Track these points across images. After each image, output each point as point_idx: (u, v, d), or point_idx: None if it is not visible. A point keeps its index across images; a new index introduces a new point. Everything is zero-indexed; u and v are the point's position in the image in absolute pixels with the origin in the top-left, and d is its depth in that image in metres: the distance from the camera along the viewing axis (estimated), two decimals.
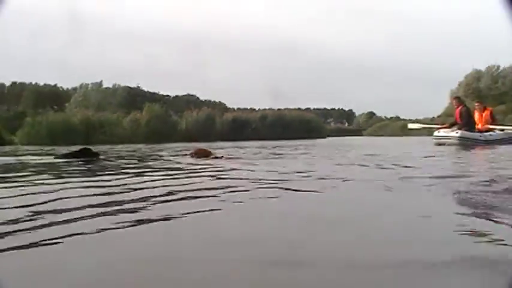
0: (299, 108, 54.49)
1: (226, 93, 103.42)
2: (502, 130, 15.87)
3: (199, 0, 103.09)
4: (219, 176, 5.31)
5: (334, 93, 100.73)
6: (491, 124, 15.98)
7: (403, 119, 52.37)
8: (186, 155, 9.80)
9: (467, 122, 15.28)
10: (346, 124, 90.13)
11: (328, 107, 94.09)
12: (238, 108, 48.99)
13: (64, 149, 16.67)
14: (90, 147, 9.85)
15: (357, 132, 62.41)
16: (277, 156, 10.06)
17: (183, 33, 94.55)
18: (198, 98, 52.81)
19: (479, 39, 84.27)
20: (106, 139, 28.43)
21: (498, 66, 55.67)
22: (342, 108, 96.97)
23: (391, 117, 67.06)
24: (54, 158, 9.19)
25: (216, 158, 8.68)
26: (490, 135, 15.33)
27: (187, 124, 35.21)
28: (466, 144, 14.10)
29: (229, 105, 52.50)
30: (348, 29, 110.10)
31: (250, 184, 4.34)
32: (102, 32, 79.47)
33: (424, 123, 17.94)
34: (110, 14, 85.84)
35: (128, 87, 45.71)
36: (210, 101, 51.37)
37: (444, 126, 16.14)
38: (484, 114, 16.01)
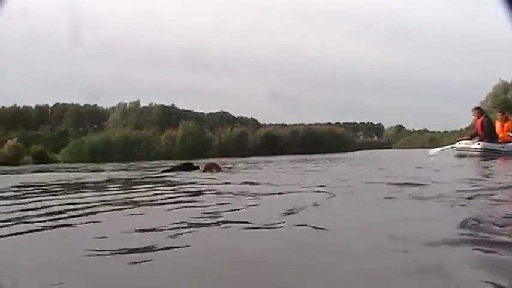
0: (329, 123, 54.50)
1: (258, 110, 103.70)
2: None
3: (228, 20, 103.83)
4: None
5: (363, 107, 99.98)
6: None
7: (432, 131, 51.84)
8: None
9: (488, 133, 14.47)
10: (376, 137, 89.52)
11: (358, 121, 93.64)
12: (270, 124, 49.23)
13: (105, 166, 17.19)
14: (191, 161, 10.94)
15: (386, 145, 62.08)
16: (290, 169, 10.40)
17: (217, 54, 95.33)
18: (231, 114, 53.29)
19: (506, 51, 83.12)
20: (143, 155, 28.90)
21: None
22: (370, 122, 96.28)
23: (420, 130, 66.39)
24: (162, 172, 9.95)
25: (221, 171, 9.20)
26: None
27: (221, 140, 35.57)
28: (487, 155, 13.40)
29: (261, 121, 52.87)
30: (377, 45, 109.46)
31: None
32: (137, 53, 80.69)
33: (443, 145, 16.93)
34: (141, 34, 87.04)
35: (163, 105, 46.45)
36: (242, 117, 51.82)
37: (465, 138, 15.37)
38: (506, 125, 15.00)
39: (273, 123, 51.56)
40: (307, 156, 22.20)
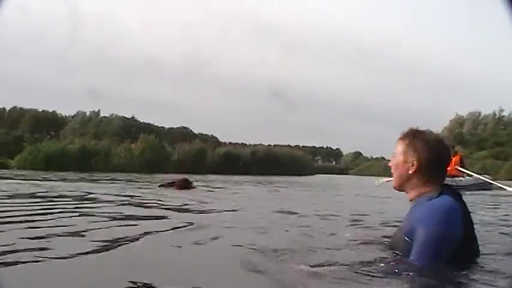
0: (289, 145, 54.84)
1: (219, 127, 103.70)
2: (470, 176, 15.25)
3: (194, 33, 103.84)
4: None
5: (322, 132, 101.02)
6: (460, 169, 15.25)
7: (388, 160, 52.86)
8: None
9: None
10: (334, 162, 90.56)
11: (317, 145, 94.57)
12: (230, 143, 49.24)
13: (60, 175, 16.81)
14: (186, 177, 11.39)
15: (344, 171, 62.83)
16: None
17: (179, 67, 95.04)
18: (191, 130, 53.13)
19: (465, 86, 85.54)
20: (101, 167, 28.38)
21: (479, 113, 56.72)
22: (329, 147, 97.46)
23: (377, 158, 67.46)
24: (158, 186, 10.55)
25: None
26: (461, 180, 14.58)
27: (179, 156, 35.25)
28: None
29: (221, 139, 52.84)
30: (338, 70, 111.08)
31: None
32: (100, 61, 79.84)
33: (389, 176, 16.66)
34: (108, 43, 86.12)
35: (124, 117, 45.91)
36: (202, 134, 51.78)
37: None
38: (454, 159, 15.01)
39: (233, 141, 51.73)
40: (267, 178, 22.26)
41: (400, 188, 2.64)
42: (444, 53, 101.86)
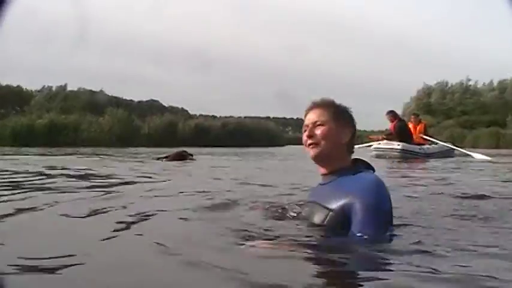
0: (259, 117, 54.85)
1: (189, 100, 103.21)
2: (435, 143, 15.71)
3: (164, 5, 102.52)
4: None
5: (293, 103, 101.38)
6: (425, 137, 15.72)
7: (358, 130, 53.47)
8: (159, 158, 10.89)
9: (400, 135, 14.53)
10: None
11: (287, 117, 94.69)
12: (201, 115, 49.02)
13: (29, 150, 16.61)
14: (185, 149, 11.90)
15: None
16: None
17: (149, 40, 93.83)
18: (161, 103, 52.52)
19: (432, 55, 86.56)
20: (69, 142, 28.08)
21: (447, 83, 57.35)
22: (300, 118, 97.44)
23: None
24: (157, 159, 10.84)
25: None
26: (428, 148, 14.96)
27: (150, 129, 35.05)
28: (406, 157, 13.69)
29: (192, 111, 52.59)
30: (307, 41, 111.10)
31: None
32: (69, 36, 78.32)
33: (366, 142, 16.54)
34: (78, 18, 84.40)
35: (91, 90, 45.10)
36: (173, 107, 51.35)
37: (382, 138, 15.23)
38: (418, 127, 15.62)
39: (204, 114, 51.50)
40: (237, 150, 22.33)
41: (326, 157, 2.49)
42: (412, 25, 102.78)
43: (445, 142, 16.56)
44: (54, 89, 47.41)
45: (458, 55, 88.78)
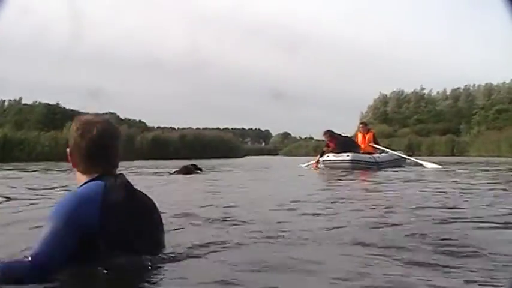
0: (218, 128, 55.00)
1: (146, 112, 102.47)
2: (386, 152, 15.64)
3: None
4: None
5: (251, 114, 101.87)
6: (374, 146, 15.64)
7: (317, 140, 54.10)
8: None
9: (347, 148, 14.35)
10: (263, 143, 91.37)
11: (246, 127, 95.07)
12: (159, 127, 48.77)
13: None
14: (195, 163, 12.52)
15: (273, 152, 63.56)
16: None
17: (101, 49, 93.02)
18: (118, 116, 51.87)
19: (389, 65, 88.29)
20: (24, 157, 27.63)
21: (403, 91, 58.69)
22: (258, 129, 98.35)
23: (305, 138, 68.40)
24: (169, 174, 11.27)
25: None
26: (378, 157, 14.78)
27: None
28: (356, 167, 13.49)
29: (149, 124, 52.55)
30: (268, 53, 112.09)
31: None
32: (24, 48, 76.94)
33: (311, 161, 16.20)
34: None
35: (48, 104, 44.42)
36: (130, 119, 50.98)
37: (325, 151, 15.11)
38: (367, 136, 15.51)
39: (162, 126, 51.21)
40: (197, 162, 22.33)
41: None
42: (370, 36, 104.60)
43: (395, 151, 16.53)
44: (6, 103, 46.67)
45: (413, 65, 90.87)
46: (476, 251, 2.56)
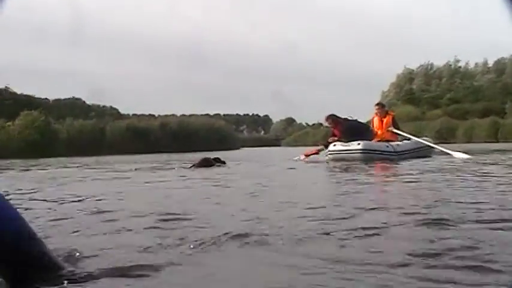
0: (207, 115, 54.79)
1: (120, 97, 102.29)
2: (408, 139, 15.04)
3: None
4: None
5: (247, 96, 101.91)
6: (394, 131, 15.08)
7: (327, 126, 53.93)
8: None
9: (347, 134, 14.08)
10: (262, 132, 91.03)
11: (241, 113, 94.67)
12: (134, 115, 48.59)
13: None
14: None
15: (275, 142, 63.17)
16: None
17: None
18: (84, 102, 51.44)
19: (413, 38, 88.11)
20: None
21: (432, 65, 57.98)
22: (256, 114, 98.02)
23: (314, 124, 67.59)
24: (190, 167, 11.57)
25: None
26: (398, 145, 14.30)
27: (70, 133, 34.47)
28: (370, 158, 13.07)
29: (122, 110, 52.24)
30: (269, 23, 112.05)
31: None
32: None
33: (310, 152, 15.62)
34: None
35: None
36: (99, 105, 50.83)
37: (321, 145, 14.98)
38: (385, 120, 15.02)
39: (138, 113, 50.96)
40: (180, 156, 22.02)
41: None
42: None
43: (419, 137, 15.44)
44: None
45: (445, 30, 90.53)
46: None
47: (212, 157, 12.34)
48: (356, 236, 2.90)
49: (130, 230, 3.34)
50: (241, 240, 2.85)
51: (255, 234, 2.96)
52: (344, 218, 3.54)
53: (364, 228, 3.09)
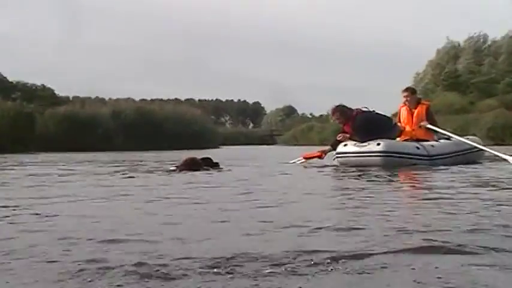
0: (176, 99, 54.26)
1: (55, 72, 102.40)
2: (448, 138, 14.58)
3: None
4: None
5: (230, 76, 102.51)
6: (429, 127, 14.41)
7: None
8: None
9: (360, 131, 13.64)
10: (251, 125, 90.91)
11: (222, 98, 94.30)
12: (76, 98, 47.91)
13: None
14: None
15: (268, 139, 62.85)
16: None
17: None
18: (5, 78, 50.90)
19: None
20: None
21: (486, 36, 57.54)
22: (243, 100, 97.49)
23: (321, 115, 68.16)
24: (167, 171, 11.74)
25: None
26: (433, 146, 13.76)
27: None
28: (393, 162, 12.66)
29: (59, 92, 51.53)
30: None
31: None
32: None
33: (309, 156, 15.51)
34: None
35: None
36: (25, 84, 50.68)
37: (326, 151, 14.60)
38: (416, 112, 14.48)
39: (81, 96, 50.50)
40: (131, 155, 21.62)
41: None
42: None
43: (462, 136, 15.01)
44: None
45: None
46: None
47: (199, 157, 12.22)
48: None
49: None
50: None
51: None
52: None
53: None
